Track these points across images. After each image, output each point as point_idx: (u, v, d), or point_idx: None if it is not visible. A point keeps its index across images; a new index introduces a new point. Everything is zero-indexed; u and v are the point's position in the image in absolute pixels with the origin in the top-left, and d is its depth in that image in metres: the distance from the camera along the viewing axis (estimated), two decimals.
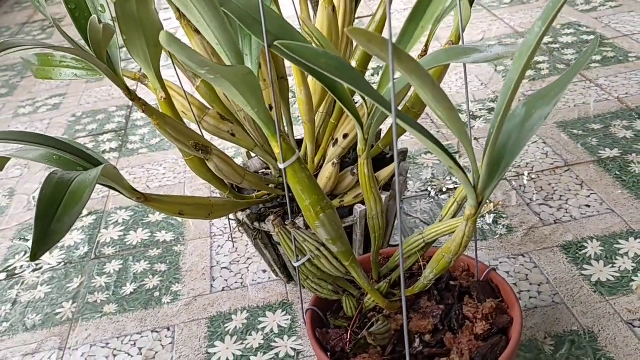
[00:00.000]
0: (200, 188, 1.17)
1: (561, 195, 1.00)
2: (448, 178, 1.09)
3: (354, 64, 0.74)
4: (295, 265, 0.61)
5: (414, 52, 0.55)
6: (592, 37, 1.52)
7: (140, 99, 0.65)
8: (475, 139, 1.19)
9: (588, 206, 0.96)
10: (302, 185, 0.54)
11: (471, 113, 1.29)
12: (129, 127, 1.46)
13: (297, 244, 0.60)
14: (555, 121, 1.20)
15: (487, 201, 0.52)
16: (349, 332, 0.62)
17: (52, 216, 0.49)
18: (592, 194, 0.99)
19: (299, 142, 0.92)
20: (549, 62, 1.44)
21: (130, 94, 0.64)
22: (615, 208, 0.95)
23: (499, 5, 1.83)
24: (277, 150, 0.53)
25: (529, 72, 1.41)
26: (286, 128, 0.82)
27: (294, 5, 0.85)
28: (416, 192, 1.07)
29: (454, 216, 0.61)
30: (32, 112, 1.61)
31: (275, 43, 0.39)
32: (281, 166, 0.54)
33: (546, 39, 1.56)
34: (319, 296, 0.65)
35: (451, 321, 0.61)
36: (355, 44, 0.73)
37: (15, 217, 1.16)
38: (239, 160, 1.13)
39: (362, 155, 0.55)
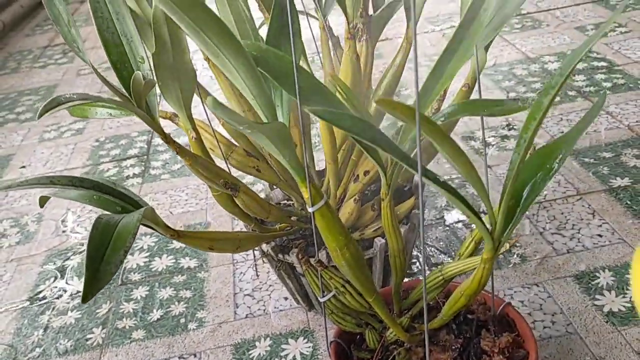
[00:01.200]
0: (222, 214, 1.21)
1: (574, 225, 1.03)
2: None
3: (374, 105, 0.78)
4: (322, 300, 0.64)
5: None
6: (602, 63, 1.55)
7: (174, 141, 0.69)
8: (489, 166, 1.23)
9: (600, 236, 0.99)
10: (329, 227, 0.58)
11: (485, 140, 1.33)
12: (151, 152, 1.51)
13: (323, 281, 0.63)
14: None
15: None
16: None
17: (101, 258, 0.53)
18: (603, 223, 1.02)
19: (320, 173, 0.96)
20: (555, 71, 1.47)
21: (166, 138, 0.69)
22: (627, 238, 0.98)
23: (510, 31, 1.86)
24: (306, 195, 0.57)
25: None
26: (308, 165, 0.85)
27: (316, 46, 0.89)
28: (432, 220, 1.10)
29: (471, 254, 0.64)
30: (57, 136, 1.66)
31: (305, 109, 0.43)
32: (310, 210, 0.57)
33: (556, 65, 1.59)
34: (343, 329, 0.68)
35: (469, 355, 0.64)
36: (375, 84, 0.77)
37: (44, 243, 1.21)
38: (259, 188, 1.17)
39: (385, 198, 0.59)
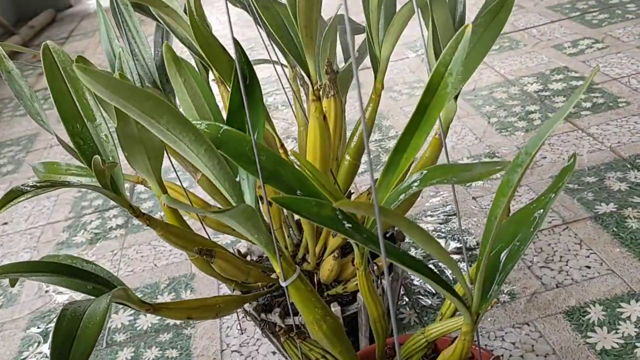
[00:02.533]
0: None
1: (561, 256, 1.01)
2: (450, 242, 1.10)
3: (348, 157, 0.77)
4: None
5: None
6: (581, 82, 1.55)
7: (143, 214, 0.68)
8: (473, 198, 1.22)
9: (588, 267, 0.98)
10: (304, 301, 0.56)
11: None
12: (133, 200, 1.49)
13: (303, 351, 0.62)
14: (551, 175, 1.23)
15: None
16: None
17: (68, 353, 0.51)
18: (591, 253, 1.01)
19: (299, 223, 0.94)
20: (540, 112, 1.47)
21: (135, 212, 0.67)
22: (615, 268, 0.96)
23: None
24: (277, 270, 0.55)
25: (522, 123, 1.43)
26: (276, 240, 0.84)
27: (289, 102, 0.88)
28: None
29: (453, 314, 0.63)
30: None
31: (270, 198, 0.42)
32: (283, 284, 0.56)
33: (536, 87, 1.59)
34: None
35: None
36: (346, 143, 0.76)
37: (27, 305, 1.18)
38: (243, 244, 1.15)
39: (359, 267, 0.57)
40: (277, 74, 0.85)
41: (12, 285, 0.70)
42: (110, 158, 0.66)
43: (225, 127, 0.52)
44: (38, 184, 0.58)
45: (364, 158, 1.40)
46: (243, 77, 0.54)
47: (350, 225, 0.43)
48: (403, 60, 1.96)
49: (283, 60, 0.85)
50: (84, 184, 0.59)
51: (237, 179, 0.54)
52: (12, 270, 0.63)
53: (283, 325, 0.62)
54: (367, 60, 0.83)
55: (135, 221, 1.40)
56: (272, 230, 0.53)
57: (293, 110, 0.90)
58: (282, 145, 0.70)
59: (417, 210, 1.21)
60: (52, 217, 1.49)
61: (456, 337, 0.57)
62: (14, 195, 0.55)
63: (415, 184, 0.52)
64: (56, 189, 0.66)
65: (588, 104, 1.45)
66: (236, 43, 0.57)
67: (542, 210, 0.51)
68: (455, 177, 0.52)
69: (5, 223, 1.51)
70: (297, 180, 0.51)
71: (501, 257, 0.51)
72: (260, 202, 0.72)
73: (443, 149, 0.71)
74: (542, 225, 0.51)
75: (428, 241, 0.42)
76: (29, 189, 0.56)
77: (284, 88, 0.88)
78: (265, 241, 0.54)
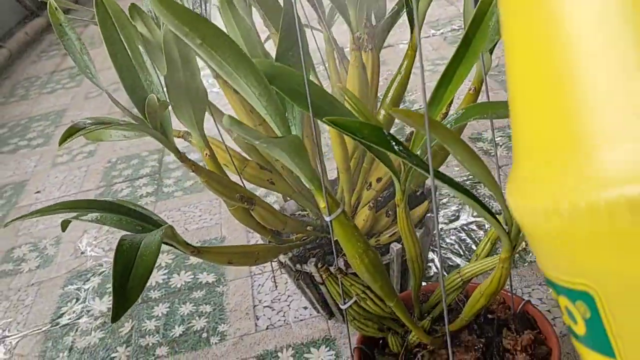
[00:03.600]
0: (237, 229, 1.23)
1: None
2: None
3: (382, 112, 0.79)
4: (343, 308, 0.65)
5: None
6: None
7: (189, 160, 0.71)
8: (499, 167, 1.23)
9: None
10: (347, 235, 0.59)
11: (495, 141, 1.33)
12: (162, 170, 1.53)
13: (344, 288, 0.64)
14: None
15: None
16: None
17: (127, 278, 0.54)
18: None
19: (332, 183, 0.97)
20: None
21: (181, 157, 0.70)
22: None
23: None
24: (322, 205, 0.58)
25: None
26: (323, 173, 0.86)
27: (321, 56, 0.91)
28: (445, 222, 1.11)
29: (488, 254, 0.65)
30: (70, 160, 1.68)
31: (324, 119, 0.44)
32: (327, 219, 0.59)
33: None
34: (365, 335, 0.69)
35: (492, 354, 0.65)
36: (381, 94, 0.78)
37: (63, 265, 1.22)
38: (273, 200, 1.18)
39: (400, 204, 0.60)
40: (313, 36, 0.88)
41: (64, 229, 0.73)
42: None
43: (277, 63, 0.54)
44: (95, 122, 0.61)
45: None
46: (291, 20, 0.57)
47: (397, 146, 0.45)
48: (425, 39, 1.97)
49: (317, 27, 0.87)
50: (136, 124, 0.62)
51: (286, 115, 0.57)
52: (64, 207, 0.66)
53: (324, 264, 0.65)
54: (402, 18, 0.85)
55: (165, 189, 1.43)
56: (318, 164, 0.56)
57: (327, 73, 0.92)
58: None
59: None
60: (83, 185, 1.53)
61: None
62: (73, 130, 0.58)
63: (455, 118, 0.54)
64: (110, 128, 0.69)
65: None
66: None
67: None
68: (494, 113, 0.55)
69: (39, 191, 1.55)
70: (344, 114, 0.53)
71: None
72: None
73: (480, 97, 0.73)
74: None
75: (473, 159, 0.44)
76: (87, 124, 0.59)
77: (319, 49, 0.90)
78: (311, 175, 0.56)
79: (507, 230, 0.51)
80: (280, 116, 0.54)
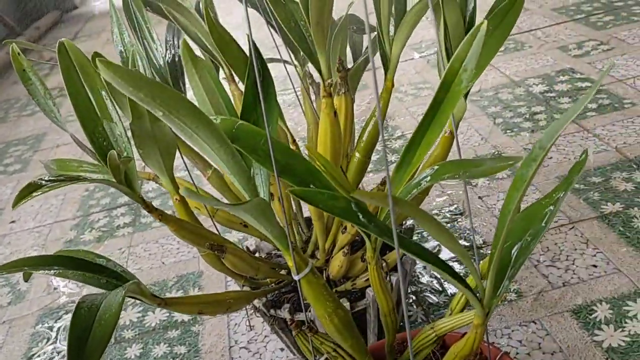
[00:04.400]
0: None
1: (567, 256, 1.02)
2: None
3: (357, 155, 0.78)
4: None
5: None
6: (586, 84, 1.56)
7: (156, 209, 0.68)
8: (479, 197, 1.22)
9: (595, 266, 0.98)
10: (315, 294, 0.57)
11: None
12: None
13: (315, 345, 0.62)
14: (557, 175, 1.23)
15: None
16: None
17: (84, 346, 0.51)
18: (597, 252, 1.01)
19: (308, 220, 0.95)
20: (546, 112, 1.47)
21: (148, 206, 0.68)
22: (622, 267, 0.97)
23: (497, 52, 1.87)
24: (290, 264, 0.56)
25: (527, 124, 1.44)
26: (289, 233, 0.85)
27: (295, 92, 0.89)
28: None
29: (463, 308, 0.63)
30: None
31: (287, 190, 0.43)
32: (295, 278, 0.57)
33: (542, 88, 1.60)
34: None
35: None
36: (356, 140, 0.77)
37: (35, 302, 1.19)
38: (252, 241, 1.16)
39: (371, 262, 0.58)
40: (287, 72, 0.86)
41: (26, 280, 0.70)
42: (125, 154, 0.67)
43: (240, 121, 0.52)
44: (53, 178, 0.59)
45: (373, 157, 1.40)
46: (258, 72, 0.55)
47: (364, 217, 0.44)
48: (408, 62, 1.97)
49: (291, 60, 0.86)
50: (99, 179, 0.60)
51: (251, 174, 0.55)
52: (25, 264, 0.64)
53: (294, 320, 0.63)
54: (376, 61, 0.83)
55: (143, 219, 1.41)
56: (285, 223, 0.54)
57: (302, 109, 0.91)
58: (294, 141, 0.71)
59: (423, 209, 1.22)
60: (59, 215, 1.50)
61: (465, 333, 0.58)
62: (31, 189, 0.56)
63: (427, 179, 0.53)
64: (70, 184, 0.67)
65: (594, 105, 1.45)
66: (250, 39, 0.57)
67: (553, 207, 0.52)
68: (466, 172, 0.53)
69: (13, 221, 1.52)
70: (310, 174, 0.52)
71: (512, 252, 0.52)
72: (271, 199, 0.73)
73: (453, 147, 0.72)
74: (552, 220, 0.52)
75: (441, 232, 0.43)
76: (45, 182, 0.57)
77: (293, 87, 0.89)
78: (278, 235, 0.54)
79: (479, 298, 0.49)
80: (245, 175, 0.52)
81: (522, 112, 1.51)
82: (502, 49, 1.90)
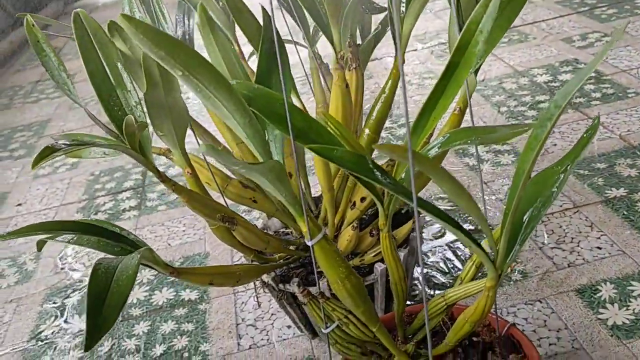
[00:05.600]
0: (220, 244, 1.20)
1: (572, 238, 1.03)
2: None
3: (367, 131, 0.78)
4: (325, 332, 0.64)
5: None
6: (591, 73, 1.57)
7: (170, 179, 0.69)
8: (485, 183, 1.23)
9: (599, 248, 0.99)
10: (328, 260, 0.58)
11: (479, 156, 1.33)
12: (146, 184, 1.51)
13: (326, 312, 0.63)
14: None
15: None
16: None
17: (102, 305, 0.52)
18: (602, 235, 1.02)
19: (316, 200, 0.96)
20: (550, 102, 1.48)
21: (161, 176, 0.69)
22: (626, 249, 0.98)
23: (497, 45, 1.88)
24: (304, 229, 0.57)
25: (531, 112, 1.45)
26: (304, 196, 0.85)
27: (305, 72, 0.90)
28: (430, 239, 1.10)
29: (473, 278, 0.64)
30: (52, 172, 1.66)
31: (306, 146, 0.43)
32: (309, 243, 0.57)
33: (545, 77, 1.61)
34: (347, 358, 0.68)
35: None
36: (365, 115, 0.78)
37: (42, 281, 1.20)
38: (257, 216, 1.16)
39: (383, 229, 0.59)
40: (297, 52, 0.87)
41: (39, 249, 0.71)
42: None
43: (257, 85, 0.53)
44: (69, 142, 0.60)
45: (383, 134, 1.41)
46: (271, 41, 0.56)
47: (380, 174, 0.44)
48: (412, 53, 1.98)
49: (301, 43, 0.87)
50: (113, 144, 0.61)
51: (266, 139, 0.56)
52: (43, 228, 0.65)
53: (305, 288, 0.63)
54: (386, 39, 0.84)
55: (149, 203, 1.42)
56: (300, 189, 0.55)
57: (312, 89, 0.91)
58: (306, 110, 0.71)
59: (428, 193, 1.22)
60: (65, 198, 1.51)
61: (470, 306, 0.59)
62: (48, 151, 0.57)
63: (439, 145, 0.53)
64: (85, 148, 0.68)
65: (598, 94, 1.46)
66: (264, 9, 0.58)
67: (563, 175, 0.53)
68: (479, 138, 0.54)
69: (20, 204, 1.53)
70: (325, 138, 0.52)
71: (524, 218, 0.53)
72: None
73: (463, 122, 0.72)
74: (562, 188, 0.52)
75: (459, 191, 0.43)
76: (62, 145, 0.58)
77: (303, 66, 0.90)
78: (292, 200, 0.55)
79: (492, 258, 0.50)
80: (260, 139, 0.53)
81: (526, 101, 1.51)
82: (506, 40, 1.90)
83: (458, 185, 0.43)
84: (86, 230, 0.65)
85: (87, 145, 0.61)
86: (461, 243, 1.07)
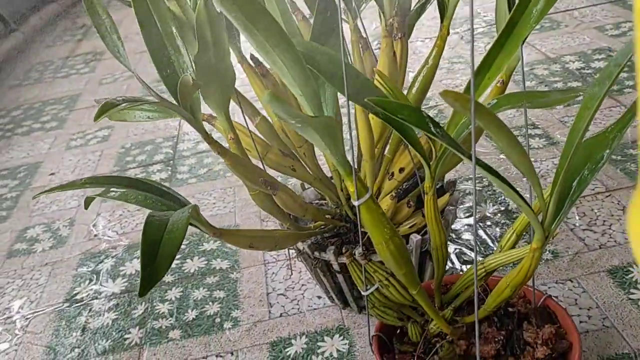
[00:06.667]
0: (250, 217, 1.23)
1: (604, 221, 1.03)
2: (490, 205, 1.12)
3: (414, 91, 0.79)
4: (365, 294, 0.65)
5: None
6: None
7: (217, 142, 0.71)
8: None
9: None
10: (374, 220, 0.59)
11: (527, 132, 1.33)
12: (176, 157, 1.53)
13: (367, 274, 0.64)
14: None
15: None
16: (415, 356, 0.66)
17: (155, 254, 0.54)
18: None
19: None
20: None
21: (208, 137, 0.70)
22: None
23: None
24: (351, 189, 0.58)
25: None
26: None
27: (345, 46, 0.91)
28: (459, 218, 1.11)
29: (512, 247, 0.65)
30: (84, 144, 1.69)
31: (367, 99, 0.44)
32: (356, 203, 0.59)
33: (578, 65, 1.60)
34: (384, 323, 0.69)
35: (513, 346, 0.65)
36: (408, 79, 0.78)
37: (76, 247, 1.23)
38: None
39: (428, 192, 0.60)
40: (341, 25, 0.88)
41: (86, 207, 0.72)
42: None
43: (315, 44, 0.54)
44: (127, 98, 0.61)
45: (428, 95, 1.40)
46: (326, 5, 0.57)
47: (435, 128, 0.45)
48: None
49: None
50: (168, 103, 0.62)
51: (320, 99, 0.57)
52: (97, 182, 0.67)
53: (348, 249, 0.65)
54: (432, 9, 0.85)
55: (179, 175, 1.44)
56: (352, 146, 0.56)
57: (350, 59, 0.92)
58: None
59: (458, 174, 1.23)
60: (97, 170, 1.54)
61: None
62: (109, 106, 0.58)
63: (492, 104, 0.54)
64: (141, 105, 0.69)
65: (631, 82, 1.45)
66: None
67: (614, 141, 0.53)
68: (529, 102, 0.55)
69: (53, 173, 1.56)
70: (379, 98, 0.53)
71: (573, 182, 0.53)
72: None
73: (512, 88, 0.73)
74: (612, 153, 0.53)
75: (513, 145, 0.44)
76: (120, 102, 0.60)
77: (343, 38, 0.90)
78: (342, 159, 0.56)
79: (540, 220, 0.51)
80: (314, 96, 0.54)
81: (558, 87, 1.51)
82: (537, 27, 1.89)
83: (514, 140, 0.44)
84: (135, 186, 0.66)
85: (142, 103, 0.62)
86: (491, 222, 1.08)
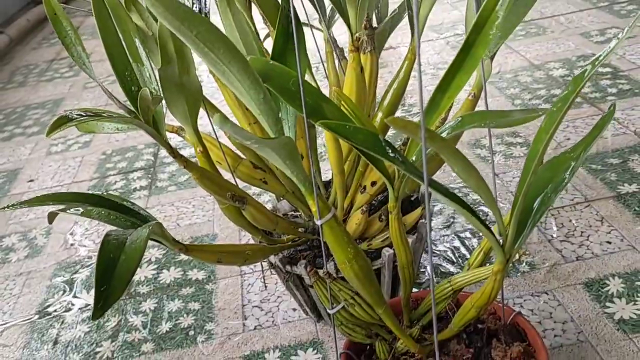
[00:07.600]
0: (229, 226, 1.21)
1: (582, 232, 1.02)
2: None
3: (380, 114, 0.78)
4: (331, 312, 0.64)
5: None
6: (607, 69, 1.55)
7: (181, 156, 0.69)
8: (496, 174, 1.22)
9: (609, 242, 0.99)
10: (337, 240, 0.58)
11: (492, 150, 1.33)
12: (157, 164, 1.51)
13: (332, 293, 0.63)
14: None
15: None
16: None
17: (110, 276, 0.53)
18: (612, 230, 1.01)
19: (326, 184, 0.96)
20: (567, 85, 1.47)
21: (173, 152, 0.69)
22: (636, 244, 0.97)
23: (513, 38, 1.86)
24: (314, 209, 0.57)
25: (546, 106, 1.44)
26: (315, 176, 0.85)
27: (320, 56, 0.90)
28: (438, 228, 1.10)
29: (481, 264, 0.64)
30: (64, 149, 1.67)
31: (318, 123, 0.43)
32: (318, 222, 0.58)
33: (562, 72, 1.59)
34: (352, 340, 0.68)
35: None
36: (378, 98, 0.77)
37: (52, 256, 1.21)
38: (266, 199, 1.17)
39: (392, 211, 0.59)
40: (313, 36, 0.87)
41: (50, 222, 0.71)
42: None
43: (272, 62, 0.53)
44: (82, 113, 0.60)
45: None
46: (289, 19, 0.56)
47: (392, 152, 0.44)
48: (428, 43, 1.96)
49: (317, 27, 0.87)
50: (126, 117, 0.61)
51: (279, 117, 0.56)
52: (54, 199, 0.65)
53: (313, 268, 0.64)
54: (403, 23, 0.84)
55: (159, 183, 1.42)
56: (312, 167, 0.55)
57: (325, 73, 0.91)
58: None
59: (442, 182, 1.22)
60: (77, 176, 1.52)
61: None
62: (63, 120, 0.57)
63: (452, 127, 0.53)
64: (98, 120, 0.68)
65: (613, 90, 1.45)
66: None
67: (574, 163, 0.52)
68: (492, 122, 0.54)
69: (32, 180, 1.54)
70: (339, 117, 0.52)
71: (534, 203, 0.53)
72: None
73: (477, 107, 0.72)
74: (574, 174, 0.52)
75: (469, 170, 0.43)
76: (75, 115, 0.58)
77: (318, 50, 0.89)
78: (303, 178, 0.55)
79: (500, 243, 0.50)
80: (274, 116, 0.53)
81: (541, 94, 1.50)
82: (522, 32, 1.89)
83: (469, 165, 0.43)
84: (98, 203, 0.65)
85: (100, 118, 0.61)
86: (469, 232, 1.07)
